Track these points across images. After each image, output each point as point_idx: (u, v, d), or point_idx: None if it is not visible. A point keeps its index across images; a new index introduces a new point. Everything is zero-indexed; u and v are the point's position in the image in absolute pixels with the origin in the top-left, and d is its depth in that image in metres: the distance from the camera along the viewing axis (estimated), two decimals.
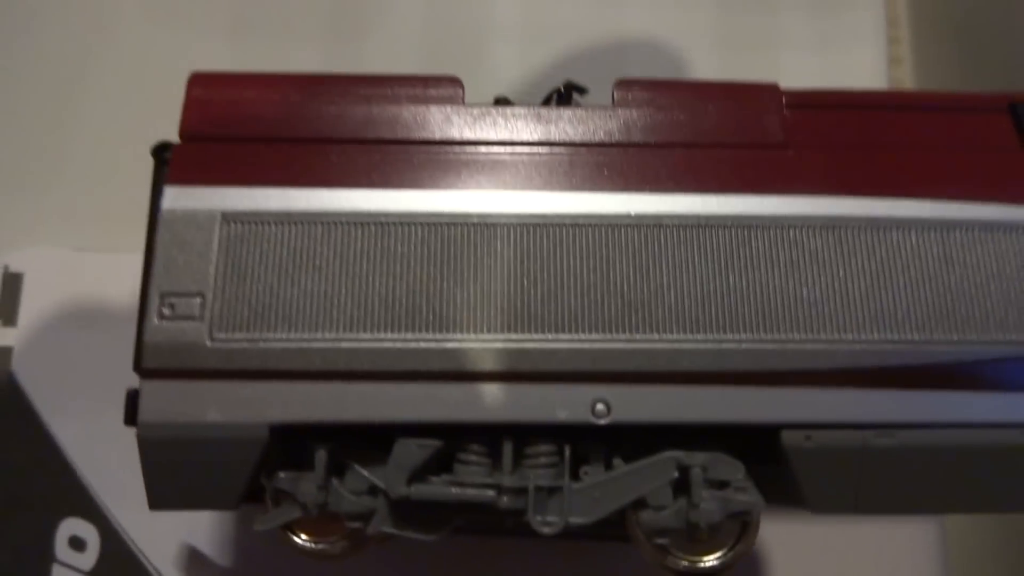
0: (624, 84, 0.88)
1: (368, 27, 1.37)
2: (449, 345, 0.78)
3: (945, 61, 1.42)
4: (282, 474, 0.80)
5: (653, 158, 0.84)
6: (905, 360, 0.79)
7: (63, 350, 1.21)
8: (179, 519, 1.10)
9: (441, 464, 0.81)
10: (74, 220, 1.29)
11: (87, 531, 1.14)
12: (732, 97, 0.88)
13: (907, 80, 1.46)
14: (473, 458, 0.79)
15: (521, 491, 0.78)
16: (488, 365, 0.78)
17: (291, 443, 0.80)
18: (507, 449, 0.79)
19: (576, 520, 0.78)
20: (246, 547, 1.13)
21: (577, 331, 0.78)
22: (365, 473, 0.79)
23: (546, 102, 0.95)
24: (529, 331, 0.78)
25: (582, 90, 0.94)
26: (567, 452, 0.79)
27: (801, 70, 1.26)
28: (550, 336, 0.78)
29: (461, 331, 0.78)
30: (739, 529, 0.81)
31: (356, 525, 0.80)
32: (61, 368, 1.21)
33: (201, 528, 1.13)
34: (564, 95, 0.95)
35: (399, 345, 0.78)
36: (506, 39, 1.35)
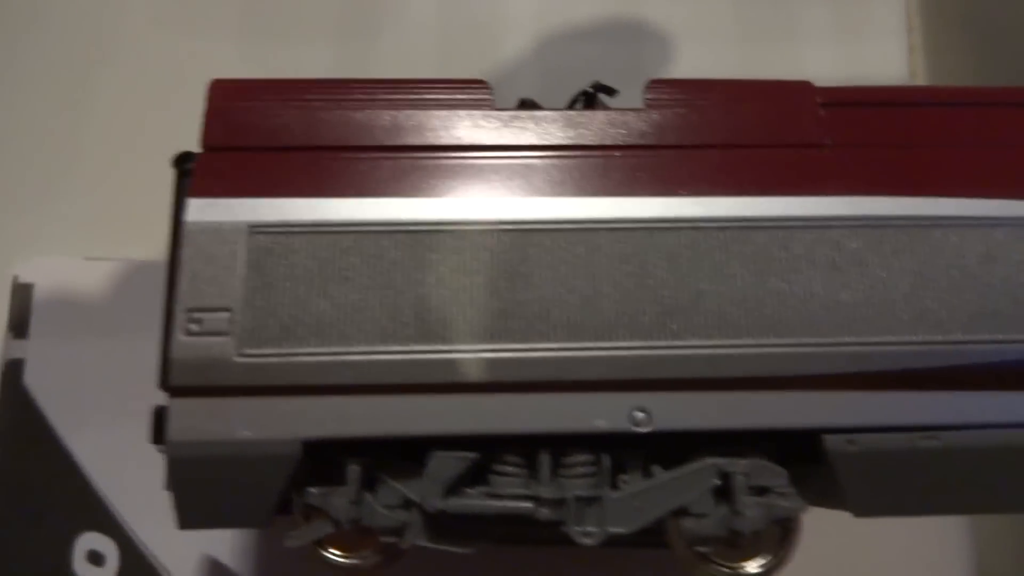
0: (656, 84, 0.86)
1: (381, 26, 1.35)
2: (484, 356, 0.76)
3: (957, 49, 1.41)
4: (313, 489, 0.78)
5: (688, 160, 0.82)
6: (949, 361, 0.77)
7: (76, 361, 1.19)
8: (199, 532, 1.09)
9: (474, 476, 0.79)
10: (84, 229, 1.27)
11: (105, 545, 1.12)
12: (766, 96, 0.86)
13: (920, 68, 1.44)
14: (509, 469, 0.78)
15: (560, 502, 0.77)
16: (525, 375, 0.76)
17: (320, 457, 0.78)
18: (544, 460, 0.77)
19: (616, 529, 0.77)
20: (268, 558, 1.12)
21: (615, 338, 0.76)
22: (399, 487, 0.78)
23: (572, 104, 0.93)
24: (566, 340, 0.76)
25: (611, 91, 0.92)
26: (605, 461, 0.78)
27: (822, 61, 1.25)
28: (587, 344, 0.76)
29: (496, 341, 0.76)
30: (780, 534, 0.80)
31: (390, 539, 0.79)
32: (74, 379, 1.19)
33: (222, 540, 1.11)
34: (591, 96, 0.93)
35: (433, 357, 0.76)
36: (521, 36, 1.34)
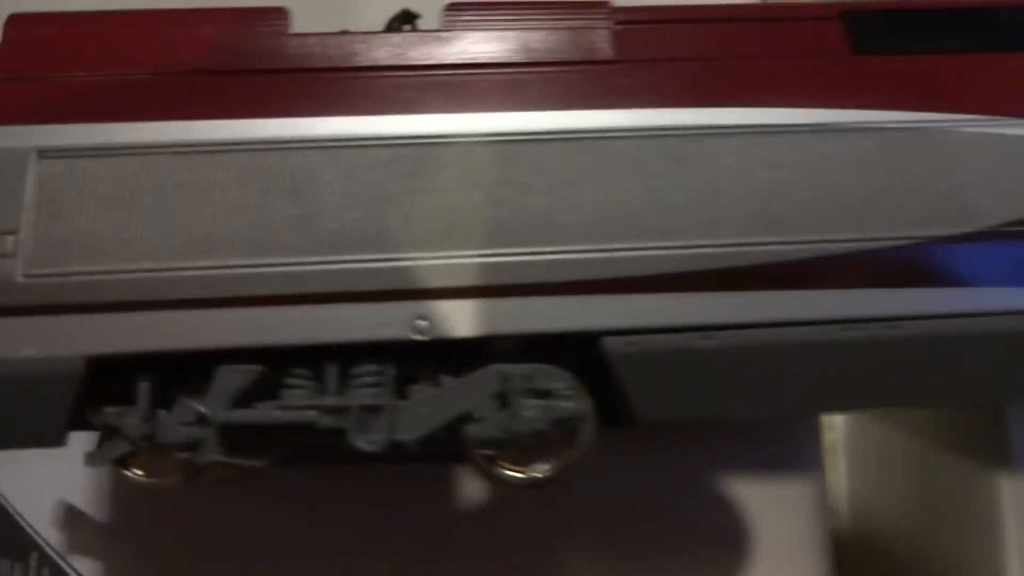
0: (453, 6, 0.88)
1: None
2: (267, 270, 0.78)
3: None
4: (108, 408, 0.80)
5: (481, 79, 0.84)
6: (727, 263, 0.79)
7: None
8: (54, 477, 1.10)
9: (272, 394, 0.81)
10: None
11: None
12: (561, 16, 0.88)
13: None
14: (297, 382, 0.79)
15: (345, 410, 0.78)
16: (308, 287, 0.78)
17: (119, 377, 0.80)
18: (331, 370, 0.79)
19: (401, 437, 0.78)
20: (125, 500, 1.13)
21: (396, 250, 0.78)
22: (190, 403, 0.79)
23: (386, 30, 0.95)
24: (349, 252, 0.78)
25: (414, 17, 0.94)
26: (392, 371, 0.80)
27: None
28: (371, 256, 0.78)
29: (279, 255, 0.78)
30: (569, 438, 0.81)
31: (186, 456, 0.80)
32: None
33: (78, 484, 1.12)
34: (399, 24, 0.94)
35: (215, 272, 0.77)
36: None
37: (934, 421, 1.27)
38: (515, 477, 0.80)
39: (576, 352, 0.81)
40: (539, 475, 0.80)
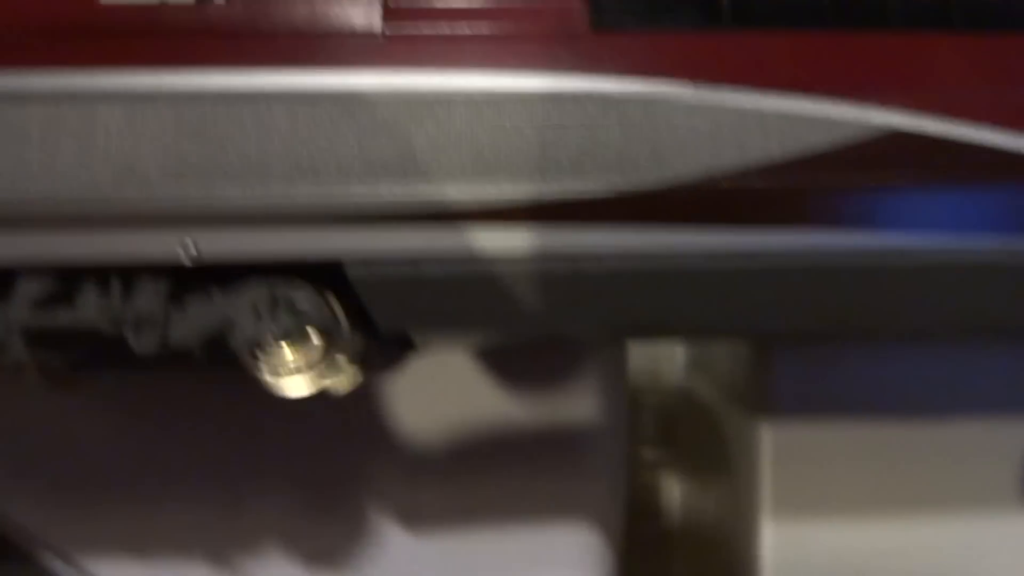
0: None
1: None
2: (58, 195, 0.91)
3: None
4: None
5: (256, 43, 0.97)
6: (440, 200, 0.92)
7: None
8: None
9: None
10: None
11: None
12: None
13: None
14: (86, 295, 0.94)
15: (124, 317, 0.93)
16: (89, 211, 0.91)
17: None
18: (114, 284, 0.94)
19: (174, 339, 0.93)
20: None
21: (163, 185, 0.92)
22: None
23: None
24: (126, 185, 0.92)
25: None
26: (170, 287, 0.95)
27: None
28: (146, 190, 0.92)
29: (66, 185, 0.91)
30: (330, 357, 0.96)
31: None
32: None
33: None
34: None
35: (7, 195, 0.91)
36: None
37: (724, 369, 1.42)
38: (272, 381, 0.95)
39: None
40: (304, 384, 0.95)
